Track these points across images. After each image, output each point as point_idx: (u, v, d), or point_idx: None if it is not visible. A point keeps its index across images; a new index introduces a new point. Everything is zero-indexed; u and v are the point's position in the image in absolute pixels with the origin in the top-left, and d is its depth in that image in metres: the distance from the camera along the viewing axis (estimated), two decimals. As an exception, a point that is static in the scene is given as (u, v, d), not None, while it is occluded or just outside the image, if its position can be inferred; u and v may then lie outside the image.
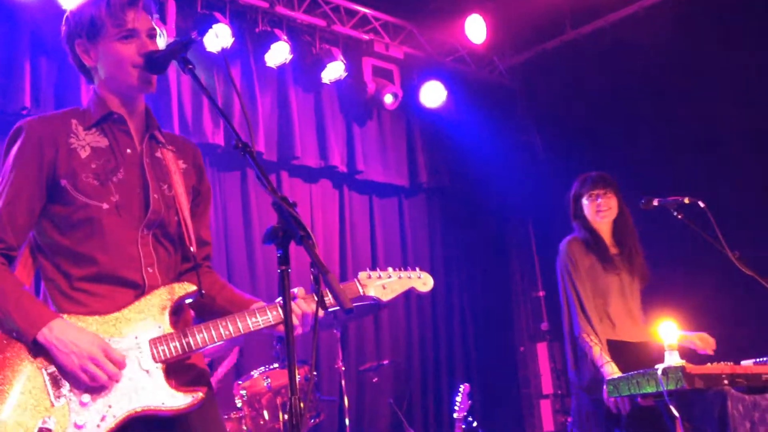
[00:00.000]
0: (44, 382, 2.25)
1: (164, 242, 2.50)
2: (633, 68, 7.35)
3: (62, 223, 2.39)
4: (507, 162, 8.30)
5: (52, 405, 2.23)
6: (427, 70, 7.88)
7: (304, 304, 2.48)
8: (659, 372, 3.61)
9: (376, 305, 6.02)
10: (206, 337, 2.39)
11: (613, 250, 4.44)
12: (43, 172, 2.37)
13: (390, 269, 2.81)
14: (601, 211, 4.41)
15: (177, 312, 2.46)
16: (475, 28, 7.87)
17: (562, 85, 8.05)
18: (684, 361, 3.63)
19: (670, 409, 3.63)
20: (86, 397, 2.26)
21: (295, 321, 2.44)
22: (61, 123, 2.44)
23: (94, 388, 2.26)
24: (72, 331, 2.25)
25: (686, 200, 4.26)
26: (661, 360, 3.80)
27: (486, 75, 8.48)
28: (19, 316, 2.24)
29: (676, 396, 3.62)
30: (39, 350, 2.26)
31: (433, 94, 7.78)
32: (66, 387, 2.26)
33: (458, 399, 5.83)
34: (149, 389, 2.31)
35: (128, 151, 2.48)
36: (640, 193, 4.37)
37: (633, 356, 4.19)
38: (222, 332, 2.41)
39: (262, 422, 4.89)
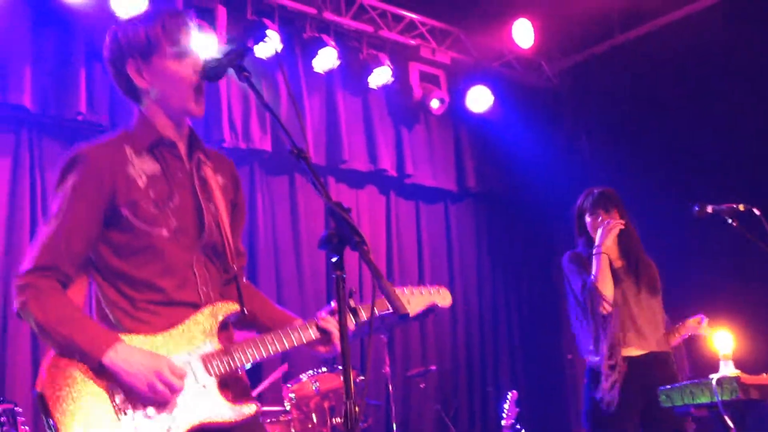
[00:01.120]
0: (109, 398, 2.31)
1: (213, 259, 2.55)
2: (683, 73, 7.25)
3: (121, 250, 2.42)
4: (555, 167, 8.24)
5: (119, 420, 2.29)
6: (474, 74, 7.87)
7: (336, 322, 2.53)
8: (714, 382, 3.55)
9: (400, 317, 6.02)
10: (255, 352, 2.48)
11: (618, 264, 4.41)
12: (102, 201, 2.38)
13: (410, 286, 2.90)
14: None
15: (223, 328, 2.52)
16: (523, 33, 7.83)
17: (610, 89, 7.97)
18: (739, 371, 3.57)
19: (724, 420, 3.56)
20: (151, 411, 2.32)
21: (338, 335, 2.48)
22: (116, 151, 2.44)
23: (158, 402, 2.33)
24: (137, 353, 2.31)
25: (741, 207, 4.18)
26: (668, 371, 3.80)
27: (533, 79, 8.43)
28: (83, 340, 2.28)
29: (730, 407, 3.56)
30: (102, 370, 2.30)
31: (479, 99, 7.77)
32: (130, 402, 2.32)
33: (506, 406, 5.79)
34: (207, 403, 2.39)
35: (179, 174, 2.50)
36: (689, 200, 4.31)
37: (639, 369, 4.17)
38: (269, 348, 2.49)
39: (310, 425, 4.92)
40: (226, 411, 2.40)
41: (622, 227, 4.28)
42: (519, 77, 8.30)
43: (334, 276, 2.06)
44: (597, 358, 4.20)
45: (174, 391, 2.31)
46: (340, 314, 2.04)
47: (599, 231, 4.28)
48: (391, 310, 2.28)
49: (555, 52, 8.41)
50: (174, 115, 2.49)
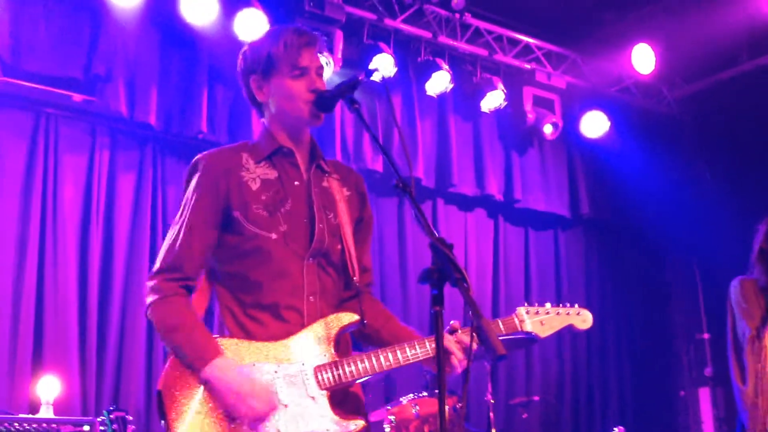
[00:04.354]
0: (219, 406, 2.39)
1: (328, 270, 2.57)
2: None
3: (234, 252, 2.51)
4: (672, 196, 7.96)
5: (228, 426, 2.37)
6: (590, 99, 7.71)
7: (465, 338, 2.49)
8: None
9: (528, 339, 5.95)
10: (368, 366, 2.47)
11: None
12: (218, 204, 2.49)
13: (548, 305, 2.76)
14: None
15: (339, 340, 2.53)
16: (643, 58, 7.62)
17: (736, 117, 7.64)
18: None
19: None
20: (259, 422, 2.37)
21: (459, 355, 2.47)
22: (233, 157, 2.57)
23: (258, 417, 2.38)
24: (231, 372, 2.37)
25: None
26: None
27: (653, 106, 8.18)
28: (189, 350, 2.40)
29: None
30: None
31: (595, 124, 7.61)
32: None
33: (611, 442, 5.62)
34: (315, 415, 2.41)
35: (296, 183, 2.58)
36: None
37: None
38: (383, 363, 2.48)
39: (409, 449, 4.90)
40: (333, 425, 2.41)
41: None
42: (637, 103, 8.07)
43: (432, 311, 2.05)
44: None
45: (256, 416, 2.35)
46: (438, 351, 2.03)
47: None
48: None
49: (677, 78, 8.14)
50: (291, 126, 2.59)
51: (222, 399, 2.36)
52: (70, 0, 5.57)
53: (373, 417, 5.14)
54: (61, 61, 5.48)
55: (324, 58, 2.60)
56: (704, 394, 7.87)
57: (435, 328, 2.05)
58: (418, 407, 4.99)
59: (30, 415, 4.39)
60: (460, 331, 2.50)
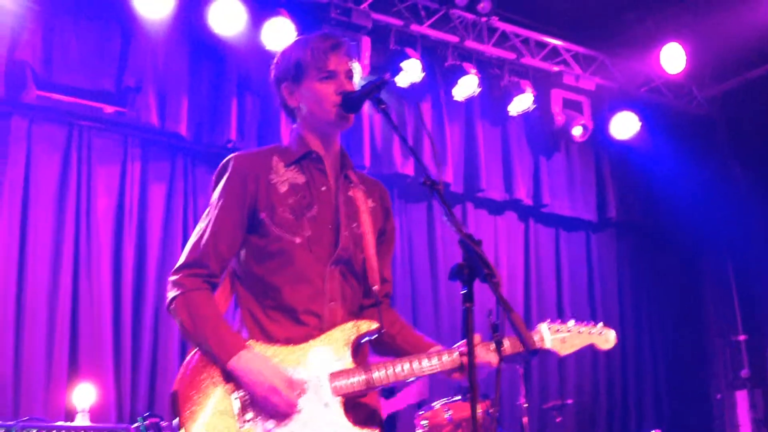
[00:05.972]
0: (232, 406, 2.37)
1: (349, 278, 2.57)
2: None
3: (257, 254, 2.52)
4: (705, 196, 7.88)
5: (239, 429, 2.35)
6: (620, 100, 7.65)
7: (482, 352, 2.48)
8: None
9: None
10: (382, 375, 2.45)
11: None
12: (245, 204, 2.50)
13: (571, 322, 2.76)
14: None
15: (357, 348, 2.50)
16: (672, 58, 7.56)
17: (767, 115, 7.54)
18: None
19: None
20: (270, 424, 2.36)
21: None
22: (263, 159, 2.59)
23: (278, 415, 2.36)
24: (258, 363, 2.36)
25: None
26: None
27: (683, 106, 8.10)
28: (215, 343, 2.38)
29: None
30: (230, 376, 2.38)
31: (624, 126, 7.55)
32: (252, 413, 2.37)
33: (647, 446, 5.55)
34: (327, 422, 2.38)
35: (323, 188, 2.58)
36: None
37: None
38: (398, 372, 2.46)
39: (442, 454, 4.88)
40: None
41: None
42: (667, 103, 8.00)
43: (463, 308, 2.05)
44: None
45: (289, 405, 2.35)
46: (469, 346, 2.04)
47: None
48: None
49: (707, 78, 8.06)
50: (320, 130, 2.61)
51: (249, 390, 2.34)
52: (101, 14, 5.66)
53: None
54: (93, 74, 5.58)
55: (352, 66, 2.61)
56: (741, 397, 7.74)
57: (465, 324, 2.05)
58: (451, 412, 4.97)
59: (66, 423, 4.45)
60: (477, 347, 2.45)
